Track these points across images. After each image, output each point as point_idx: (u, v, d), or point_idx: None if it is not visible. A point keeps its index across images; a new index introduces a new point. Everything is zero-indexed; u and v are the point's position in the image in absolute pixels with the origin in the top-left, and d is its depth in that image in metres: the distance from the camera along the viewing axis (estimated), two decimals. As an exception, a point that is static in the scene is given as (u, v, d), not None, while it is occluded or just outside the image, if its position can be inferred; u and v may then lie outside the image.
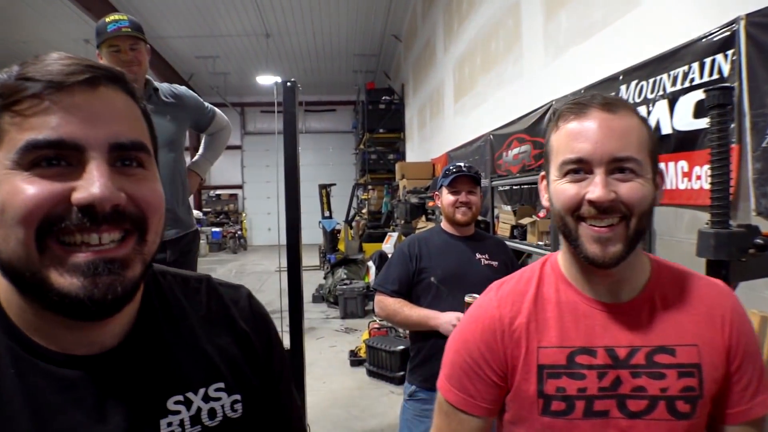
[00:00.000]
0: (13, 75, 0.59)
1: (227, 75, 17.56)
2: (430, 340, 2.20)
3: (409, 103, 13.80)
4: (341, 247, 12.09)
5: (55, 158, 0.58)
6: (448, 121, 8.75)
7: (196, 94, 2.65)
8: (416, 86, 12.28)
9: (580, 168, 0.88)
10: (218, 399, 0.73)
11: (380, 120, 14.34)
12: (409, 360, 2.33)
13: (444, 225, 2.38)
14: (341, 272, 8.91)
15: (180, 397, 0.69)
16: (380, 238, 9.60)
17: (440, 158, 8.87)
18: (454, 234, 2.34)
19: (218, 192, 22.00)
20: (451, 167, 2.34)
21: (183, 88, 2.59)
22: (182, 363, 0.72)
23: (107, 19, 2.28)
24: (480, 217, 5.25)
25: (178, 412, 0.69)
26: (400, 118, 14.40)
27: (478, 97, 6.84)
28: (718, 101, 1.39)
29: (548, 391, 0.93)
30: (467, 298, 2.06)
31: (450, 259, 2.26)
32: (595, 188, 0.85)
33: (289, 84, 3.36)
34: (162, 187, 1.72)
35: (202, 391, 0.72)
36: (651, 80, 3.08)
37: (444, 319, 2.11)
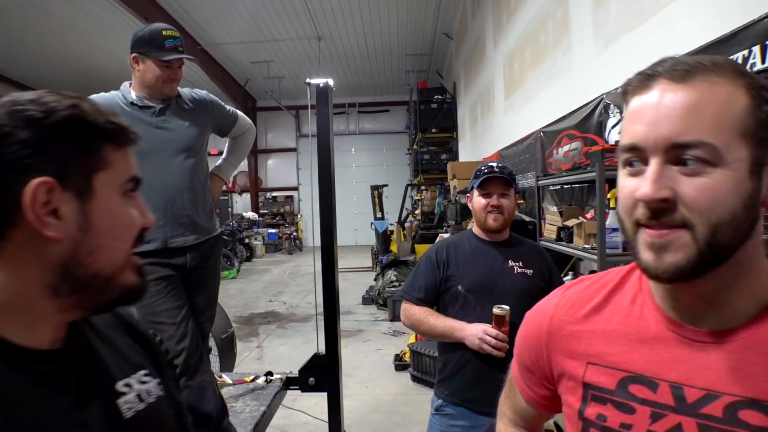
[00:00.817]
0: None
1: (281, 79, 17.82)
2: (458, 353, 2.06)
3: (461, 101, 13.58)
4: (394, 248, 12.01)
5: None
6: (499, 119, 8.51)
7: (216, 99, 2.61)
8: (468, 84, 12.06)
9: (636, 158, 0.68)
10: (148, 382, 0.87)
11: (433, 119, 14.17)
12: (437, 372, 2.20)
13: (476, 229, 2.22)
14: (391, 274, 8.81)
15: (123, 382, 0.83)
16: (433, 240, 9.41)
17: (492, 157, 8.64)
18: (486, 239, 2.17)
19: (274, 194, 22.37)
20: (482, 167, 2.17)
21: (203, 93, 2.56)
22: (112, 356, 0.85)
23: (164, 32, 2.29)
24: (527, 218, 5.04)
25: (126, 393, 0.82)
26: (452, 117, 14.19)
27: (528, 92, 6.60)
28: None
29: (588, 415, 0.78)
30: (495, 310, 1.91)
31: (479, 266, 2.11)
32: (643, 183, 0.66)
33: (321, 85, 3.29)
34: (180, 192, 2.06)
35: (135, 376, 0.86)
36: (708, 68, 2.82)
37: (470, 332, 1.97)
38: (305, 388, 3.30)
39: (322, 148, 3.31)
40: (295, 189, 22.34)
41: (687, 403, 0.69)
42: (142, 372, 0.87)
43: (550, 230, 3.95)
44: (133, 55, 2.30)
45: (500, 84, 8.30)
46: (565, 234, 3.61)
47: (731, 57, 2.61)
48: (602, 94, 4.13)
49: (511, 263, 2.12)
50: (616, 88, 3.86)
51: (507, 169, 2.15)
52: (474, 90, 11.10)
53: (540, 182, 4.36)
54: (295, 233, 20.05)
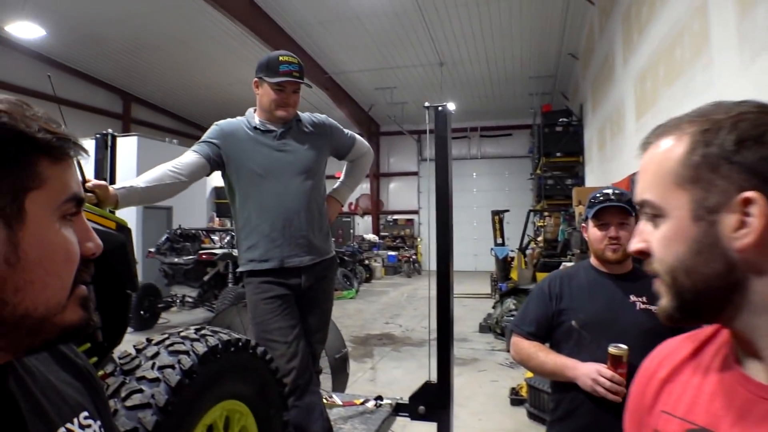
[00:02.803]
0: None
1: (404, 104, 18.18)
2: (570, 394, 1.88)
3: (588, 123, 12.99)
4: (513, 275, 11.65)
5: None
6: (630, 141, 8.01)
7: (335, 122, 2.66)
8: (595, 105, 11.53)
9: None
10: (89, 426, 0.75)
11: (557, 143, 13.71)
12: (550, 412, 2.04)
13: (593, 260, 2.04)
14: (510, 302, 8.51)
15: (64, 428, 0.71)
16: (555, 268, 8.99)
17: (622, 182, 8.13)
18: (605, 271, 1.99)
19: (395, 217, 22.70)
20: (597, 194, 1.99)
21: (323, 117, 2.62)
22: (50, 399, 0.73)
23: (281, 58, 2.40)
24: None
25: None
26: (578, 140, 13.63)
27: (662, 113, 6.15)
28: None
29: None
30: (611, 349, 1.72)
31: (596, 300, 1.93)
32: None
33: (440, 108, 3.27)
34: (297, 213, 2.14)
35: (76, 420, 0.74)
36: None
37: (582, 371, 1.79)
38: (414, 416, 3.23)
39: (440, 172, 3.27)
40: (416, 212, 22.53)
41: None
42: (83, 414, 0.77)
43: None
44: (255, 80, 2.41)
45: (631, 104, 7.83)
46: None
47: None
48: (750, 112, 3.73)
49: (633, 298, 1.91)
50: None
51: (625, 196, 1.95)
52: (602, 111, 10.58)
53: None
54: (414, 256, 20.16)
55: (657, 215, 0.70)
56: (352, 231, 21.58)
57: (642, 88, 7.08)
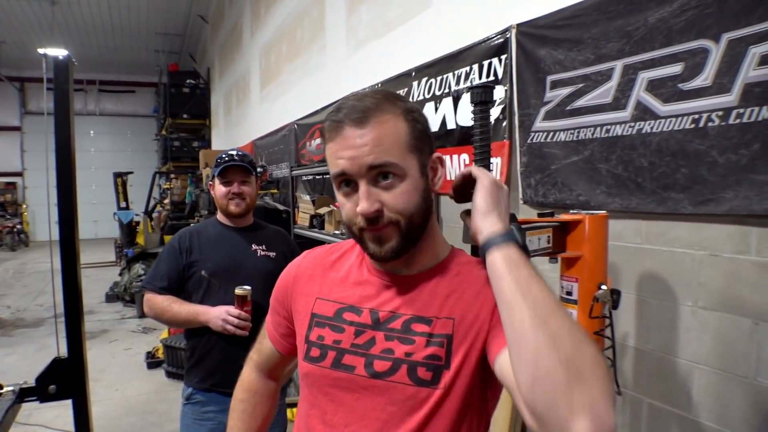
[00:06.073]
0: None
1: (2, 44, 15.25)
2: (204, 337, 2.07)
3: (215, 88, 13.23)
4: (140, 240, 11.23)
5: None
6: (255, 109, 8.55)
7: None
8: (223, 71, 11.81)
9: (345, 181, 0.93)
10: None
11: (184, 105, 13.56)
12: (186, 360, 2.19)
13: (219, 216, 2.26)
14: (138, 267, 8.25)
15: None
16: (185, 230, 9.04)
17: (246, 146, 8.63)
18: (230, 225, 2.23)
19: (-9, 180, 19.11)
20: (223, 156, 2.21)
21: None
22: None
23: None
24: (281, 207, 5.20)
25: None
26: (205, 103, 13.76)
27: (284, 85, 6.77)
28: (481, 98, 1.47)
29: (311, 338, 1.02)
30: (237, 290, 1.97)
31: (222, 251, 2.15)
32: (360, 201, 0.90)
33: (62, 58, 2.97)
34: None
35: None
36: (439, 78, 3.27)
37: (213, 314, 2.00)
38: (45, 397, 2.95)
39: (61, 129, 2.99)
40: (19, 174, 19.33)
41: (380, 322, 0.97)
42: None
43: (303, 218, 4.16)
44: None
45: (256, 74, 8.33)
46: (317, 221, 3.84)
47: (457, 71, 3.08)
48: (351, 93, 4.46)
49: (254, 247, 2.20)
50: (364, 88, 4.21)
51: (247, 158, 2.22)
52: (229, 77, 10.93)
53: (294, 172, 4.54)
54: (19, 226, 17.41)
55: (398, 176, 0.90)
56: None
57: (267, 61, 7.61)
